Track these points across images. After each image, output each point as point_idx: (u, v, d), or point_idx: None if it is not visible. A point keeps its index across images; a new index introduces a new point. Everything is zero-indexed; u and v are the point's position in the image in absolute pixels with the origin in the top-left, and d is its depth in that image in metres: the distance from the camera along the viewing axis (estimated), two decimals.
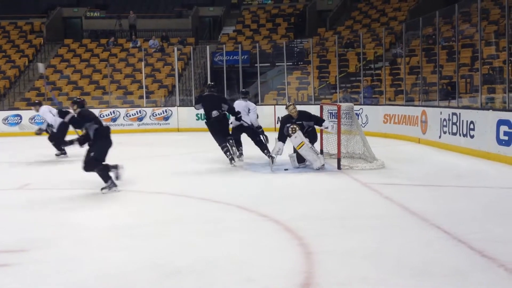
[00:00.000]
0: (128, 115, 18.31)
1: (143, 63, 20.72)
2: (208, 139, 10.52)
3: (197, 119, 18.15)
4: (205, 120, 9.68)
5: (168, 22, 27.29)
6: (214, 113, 9.44)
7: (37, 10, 27.98)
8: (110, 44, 24.82)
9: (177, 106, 18.80)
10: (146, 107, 19.00)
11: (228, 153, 9.49)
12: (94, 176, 7.43)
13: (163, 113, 18.40)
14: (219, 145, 9.60)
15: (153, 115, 18.32)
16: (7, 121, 18.04)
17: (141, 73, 20.52)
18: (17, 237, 5.29)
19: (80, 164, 7.52)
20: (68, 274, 4.20)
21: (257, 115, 10.49)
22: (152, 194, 7.43)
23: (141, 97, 20.05)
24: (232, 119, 9.97)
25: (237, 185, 8.04)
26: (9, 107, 20.26)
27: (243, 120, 9.86)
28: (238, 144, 10.01)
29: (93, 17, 28.40)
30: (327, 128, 8.99)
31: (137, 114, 18.33)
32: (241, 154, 9.95)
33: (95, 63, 23.30)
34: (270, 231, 5.33)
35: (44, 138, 11.85)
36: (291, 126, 8.74)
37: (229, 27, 27.01)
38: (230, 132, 9.90)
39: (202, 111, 9.98)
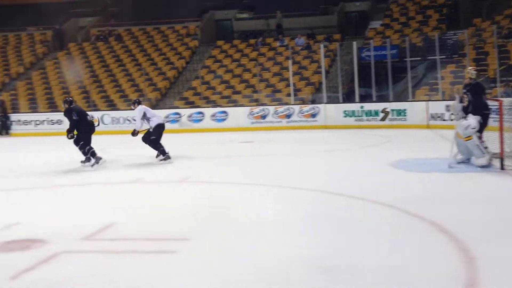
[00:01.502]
0: (277, 112, 18.80)
1: (290, 61, 21.10)
2: (355, 136, 10.44)
3: (344, 116, 18.09)
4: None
5: (314, 20, 27.44)
6: (89, 118, 10.70)
7: (192, 14, 29.82)
8: (259, 44, 25.64)
9: (325, 103, 18.87)
10: (294, 104, 19.34)
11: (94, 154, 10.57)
12: (258, 173, 7.71)
13: (311, 110, 18.59)
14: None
15: (300, 112, 18.60)
16: (168, 118, 19.53)
17: (289, 71, 20.92)
18: (180, 226, 5.74)
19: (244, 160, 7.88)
20: (227, 264, 4.48)
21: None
22: (303, 191, 7.57)
23: (288, 94, 20.45)
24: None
25: (387, 183, 7.88)
26: (169, 105, 21.90)
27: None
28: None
29: (242, 19, 29.55)
30: (467, 122, 8.42)
31: (286, 111, 18.75)
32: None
33: (245, 62, 24.24)
34: (422, 232, 5.16)
35: (202, 135, 12.56)
36: (462, 95, 8.84)
37: (376, 21, 26.39)
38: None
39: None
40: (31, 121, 20.61)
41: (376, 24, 25.98)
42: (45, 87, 24.23)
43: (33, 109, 22.31)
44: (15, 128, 20.46)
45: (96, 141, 11.02)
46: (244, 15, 30.13)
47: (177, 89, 23.74)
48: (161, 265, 4.50)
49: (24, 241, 5.25)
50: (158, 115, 11.25)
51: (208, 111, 19.52)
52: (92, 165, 10.39)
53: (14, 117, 20.65)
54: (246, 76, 23.24)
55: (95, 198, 7.77)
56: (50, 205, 7.25)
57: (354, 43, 20.70)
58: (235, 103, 20.96)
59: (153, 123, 10.80)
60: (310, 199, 7.05)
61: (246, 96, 21.65)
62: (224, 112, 19.33)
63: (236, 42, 26.51)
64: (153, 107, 21.82)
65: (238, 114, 19.15)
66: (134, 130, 11.00)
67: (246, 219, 6.02)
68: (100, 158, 10.51)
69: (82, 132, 10.56)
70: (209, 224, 5.80)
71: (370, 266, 4.24)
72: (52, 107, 22.20)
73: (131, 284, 4.13)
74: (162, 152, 10.76)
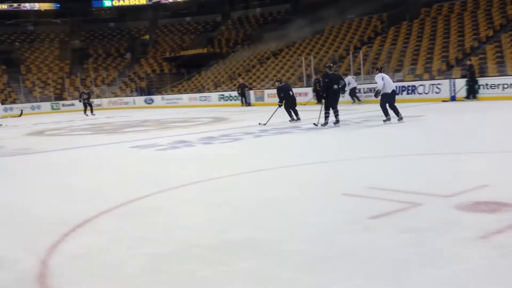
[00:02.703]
0: None
1: None
2: None
3: None
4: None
5: None
6: (335, 86, 13.24)
7: None
8: None
9: None
10: None
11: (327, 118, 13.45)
12: None
13: None
14: (333, 108, 13.50)
15: None
16: None
17: None
18: None
19: None
20: None
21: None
22: None
23: None
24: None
25: None
26: None
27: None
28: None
29: None
30: None
31: None
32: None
33: None
34: None
35: None
36: None
37: None
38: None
39: None
40: (499, 84, 20.27)
41: None
42: None
43: (501, 72, 21.86)
44: (482, 92, 20.58)
45: None
46: None
47: None
48: None
49: (492, 203, 5.27)
50: (390, 85, 13.16)
51: None
52: (316, 124, 13.41)
53: (481, 81, 20.76)
54: None
55: None
56: None
57: None
58: None
59: (384, 90, 12.96)
60: None
61: None
62: None
63: None
64: None
65: None
66: (377, 91, 13.26)
67: None
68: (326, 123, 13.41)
69: (328, 98, 13.38)
70: None
71: None
72: None
73: None
74: (396, 113, 13.09)
